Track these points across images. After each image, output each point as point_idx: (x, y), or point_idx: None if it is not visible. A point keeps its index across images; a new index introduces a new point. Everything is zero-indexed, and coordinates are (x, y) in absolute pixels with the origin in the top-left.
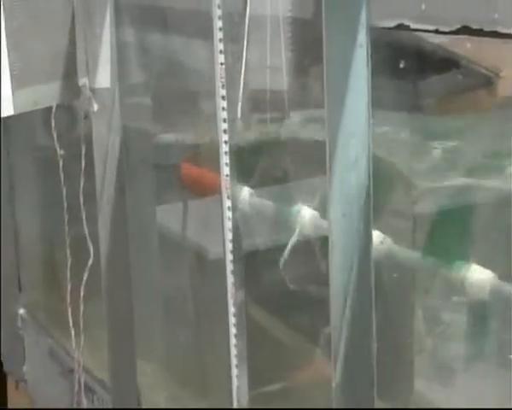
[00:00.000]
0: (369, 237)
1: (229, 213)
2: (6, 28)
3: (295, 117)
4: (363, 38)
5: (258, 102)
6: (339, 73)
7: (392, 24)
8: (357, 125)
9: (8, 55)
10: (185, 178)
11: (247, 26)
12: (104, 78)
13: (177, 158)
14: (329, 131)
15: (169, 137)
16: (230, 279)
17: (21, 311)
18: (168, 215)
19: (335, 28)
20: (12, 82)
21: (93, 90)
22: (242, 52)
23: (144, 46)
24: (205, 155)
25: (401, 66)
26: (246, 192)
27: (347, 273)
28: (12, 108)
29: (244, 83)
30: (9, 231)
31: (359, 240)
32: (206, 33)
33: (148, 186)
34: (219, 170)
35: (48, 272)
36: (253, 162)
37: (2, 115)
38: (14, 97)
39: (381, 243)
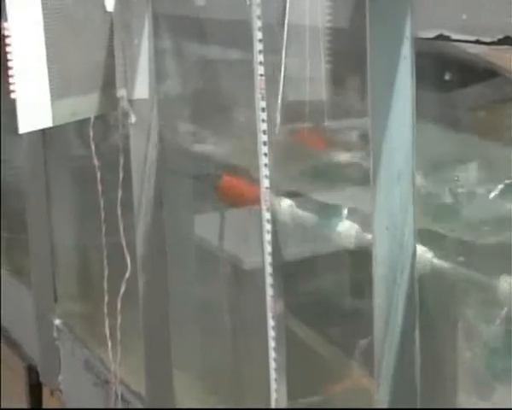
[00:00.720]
0: (413, 251)
1: (268, 226)
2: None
3: (334, 127)
4: (407, 49)
5: (296, 113)
6: (383, 85)
7: (432, 34)
8: (401, 138)
9: (47, 67)
10: (223, 188)
11: (285, 37)
12: (142, 89)
13: (215, 169)
14: (373, 144)
15: (207, 147)
16: (269, 292)
17: (57, 321)
18: (205, 226)
19: (379, 40)
20: (50, 94)
21: (131, 102)
22: (281, 63)
23: (182, 56)
24: (243, 166)
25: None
26: (286, 203)
27: (391, 287)
28: (51, 119)
29: (283, 94)
30: (45, 241)
31: (403, 253)
32: (245, 44)
33: (185, 197)
34: (258, 181)
35: (83, 282)
36: (293, 173)
37: (40, 127)
38: (52, 109)
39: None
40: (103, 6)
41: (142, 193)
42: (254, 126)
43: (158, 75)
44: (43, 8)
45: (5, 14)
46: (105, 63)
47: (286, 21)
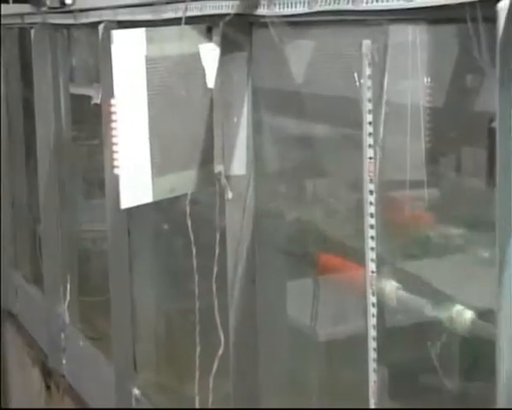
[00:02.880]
0: None
1: (373, 310)
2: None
3: (438, 208)
4: None
5: (398, 192)
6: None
7: None
8: None
9: (150, 144)
10: (323, 267)
11: (383, 116)
12: (239, 165)
13: (313, 247)
14: (500, 234)
15: (304, 225)
16: (373, 377)
17: (136, 391)
18: (300, 303)
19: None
20: (152, 170)
21: (228, 178)
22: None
23: (280, 132)
24: (345, 246)
25: None
26: (391, 286)
27: None
28: (151, 195)
29: (382, 172)
30: (127, 311)
31: None
32: (348, 122)
33: (280, 274)
34: (357, 260)
35: (164, 354)
36: (397, 255)
37: (141, 203)
38: (153, 185)
39: None
40: (204, 83)
41: (237, 269)
42: (358, 207)
43: (255, 151)
44: (148, 86)
45: (112, 91)
46: (204, 139)
47: (383, 99)
